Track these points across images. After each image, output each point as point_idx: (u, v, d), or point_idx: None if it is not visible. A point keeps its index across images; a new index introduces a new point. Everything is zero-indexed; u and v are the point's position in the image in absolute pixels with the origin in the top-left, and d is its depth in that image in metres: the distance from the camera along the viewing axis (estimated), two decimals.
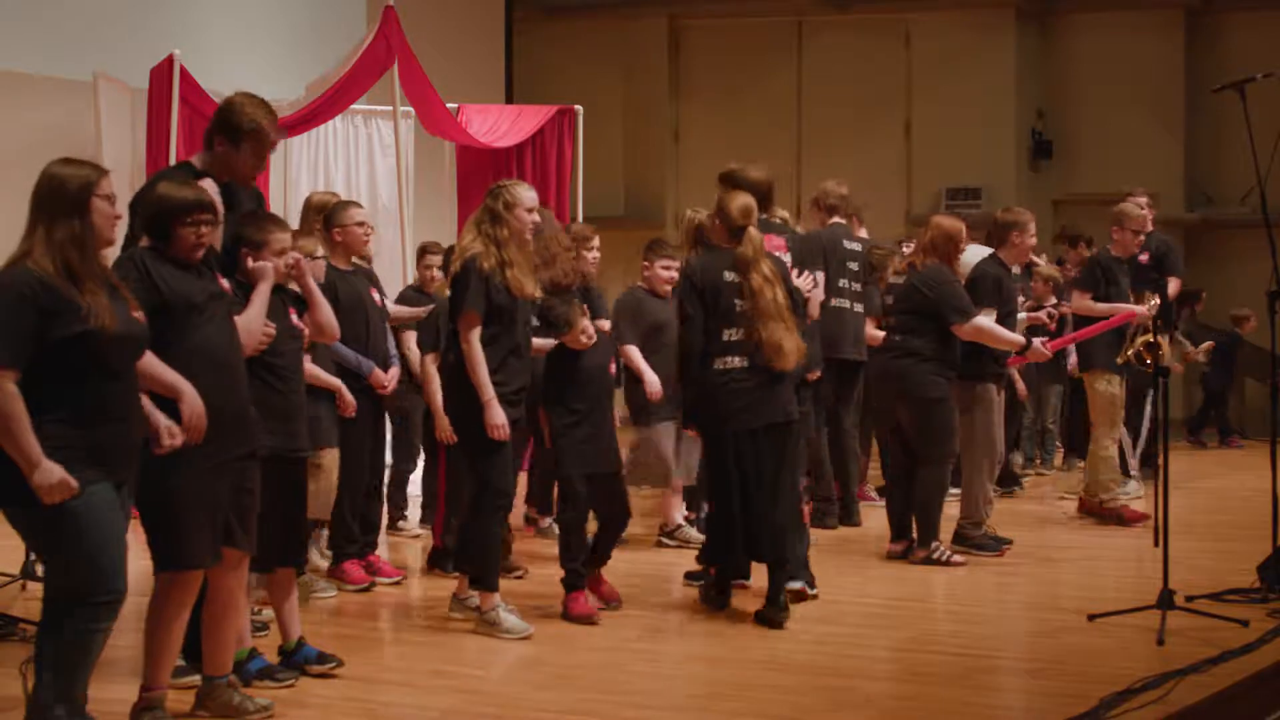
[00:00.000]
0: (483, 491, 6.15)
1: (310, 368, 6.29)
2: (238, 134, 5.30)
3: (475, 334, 6.04)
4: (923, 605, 6.91)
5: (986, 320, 7.83)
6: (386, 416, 7.50)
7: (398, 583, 7.16)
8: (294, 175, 10.76)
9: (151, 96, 9.44)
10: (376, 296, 7.15)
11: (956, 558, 7.72)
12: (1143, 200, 10.25)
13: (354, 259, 7.08)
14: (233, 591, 4.94)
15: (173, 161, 9.05)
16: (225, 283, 4.94)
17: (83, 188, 4.21)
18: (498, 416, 6.01)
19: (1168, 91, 15.58)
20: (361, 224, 7.05)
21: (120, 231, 4.51)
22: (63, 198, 4.20)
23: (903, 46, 15.99)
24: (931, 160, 15.64)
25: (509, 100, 15.04)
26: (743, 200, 6.47)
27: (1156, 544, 6.28)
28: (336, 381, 6.69)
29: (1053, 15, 16.04)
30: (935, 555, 7.69)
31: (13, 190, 4.22)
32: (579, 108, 11.84)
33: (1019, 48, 15.69)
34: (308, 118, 9.86)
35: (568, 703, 5.26)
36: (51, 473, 4.08)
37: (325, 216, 7.12)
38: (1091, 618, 6.39)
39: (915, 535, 7.85)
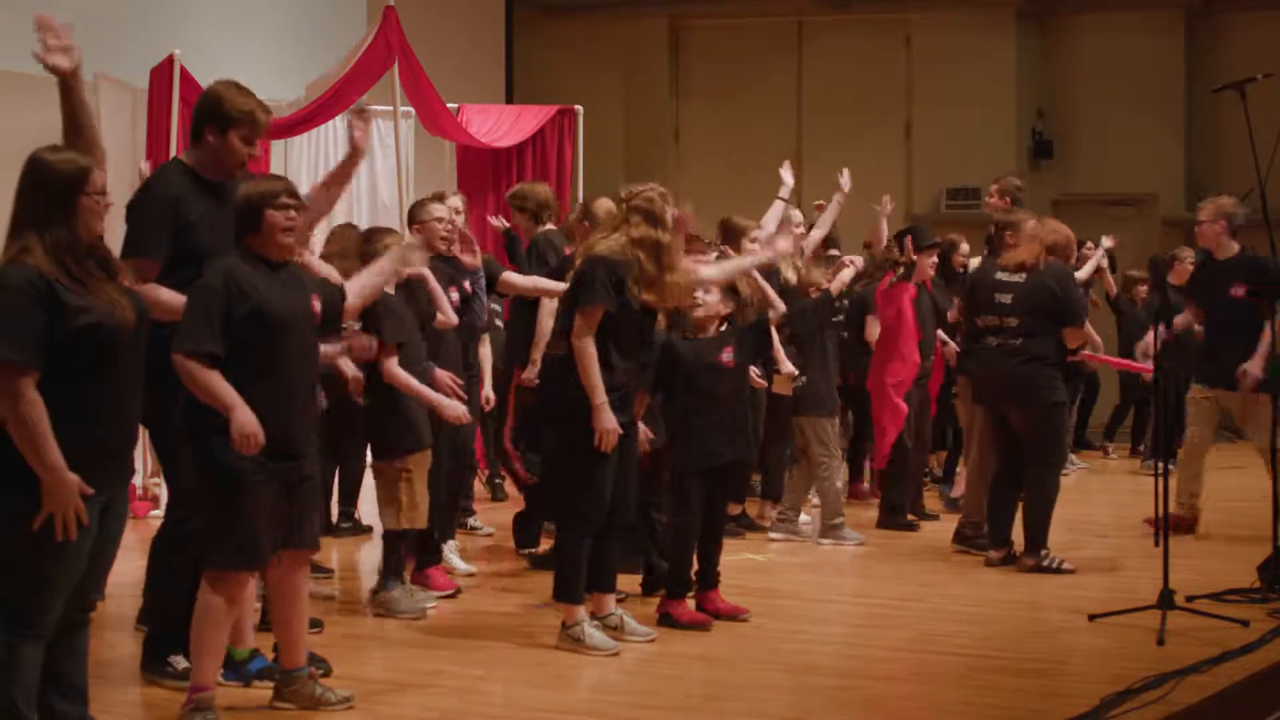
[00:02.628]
0: (575, 501, 5.94)
1: (397, 373, 6.34)
2: (227, 121, 5.19)
3: None
4: (923, 605, 6.91)
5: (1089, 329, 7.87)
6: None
7: (453, 595, 6.93)
8: (294, 175, 10.75)
9: (151, 96, 9.44)
10: (455, 295, 7.11)
11: (1067, 564, 7.51)
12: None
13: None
14: (296, 588, 4.98)
15: None
16: (317, 305, 4.96)
17: (69, 187, 4.11)
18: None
19: (1168, 91, 15.57)
20: (440, 220, 6.99)
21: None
22: (50, 197, 4.10)
23: (903, 46, 15.98)
24: (931, 160, 15.63)
25: (509, 100, 15.04)
26: (608, 203, 7.16)
27: (1156, 544, 6.29)
28: (425, 391, 6.45)
29: (1053, 15, 16.03)
30: (1045, 563, 7.52)
31: (13, 190, 4.19)
32: (579, 108, 11.85)
33: (1019, 48, 15.68)
34: (308, 118, 9.86)
35: (568, 703, 5.26)
36: (70, 486, 3.98)
37: (408, 213, 7.15)
38: (1092, 618, 6.39)
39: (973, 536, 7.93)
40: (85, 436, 4.07)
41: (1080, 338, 7.77)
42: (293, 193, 4.90)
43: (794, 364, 8.12)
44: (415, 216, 7.07)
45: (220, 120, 5.20)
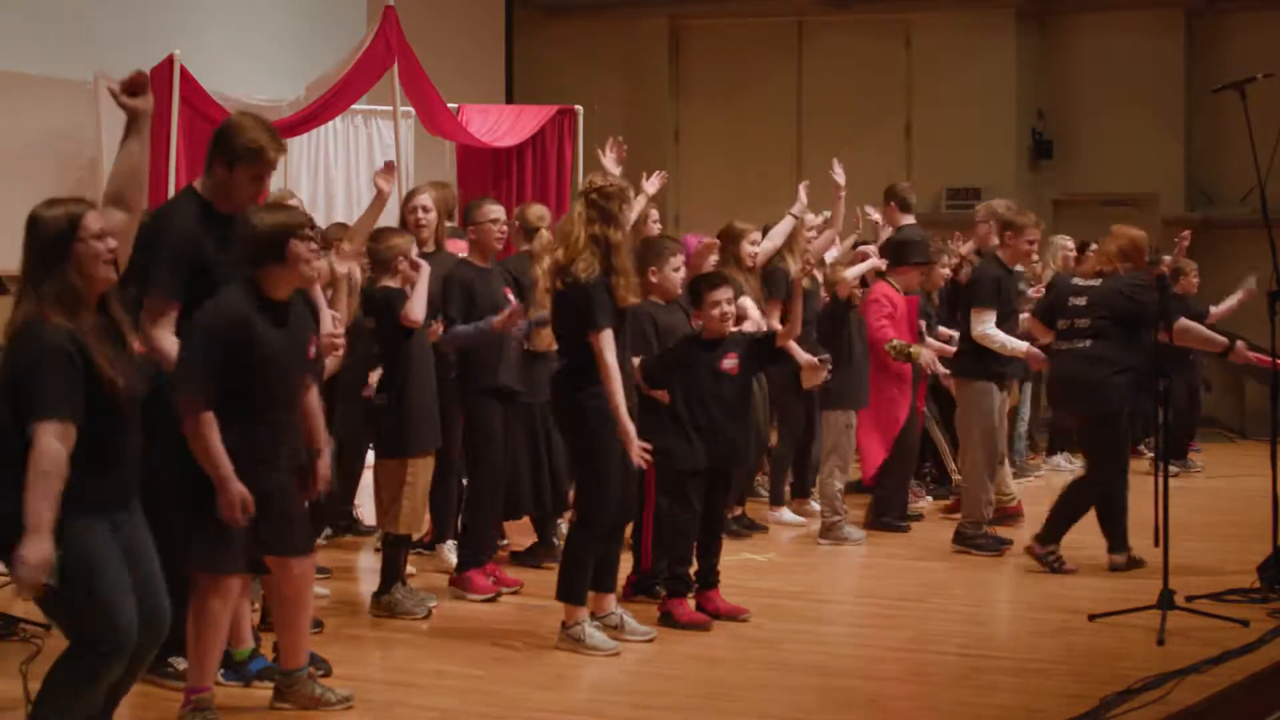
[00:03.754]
0: (586, 504, 5.99)
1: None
2: (234, 157, 5.04)
3: None
4: (923, 605, 6.91)
5: (1191, 323, 7.75)
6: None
7: (516, 592, 6.96)
8: (294, 175, 10.76)
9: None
10: (512, 296, 7.05)
11: (1069, 566, 7.47)
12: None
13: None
14: (298, 592, 4.99)
15: (173, 161, 9.07)
16: (313, 350, 4.99)
17: (61, 237, 4.05)
18: None
19: (1168, 91, 15.57)
20: (495, 221, 6.95)
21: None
22: (44, 250, 4.06)
23: (903, 46, 15.98)
24: (931, 160, 15.62)
25: (509, 100, 15.04)
26: (538, 209, 7.62)
27: (1156, 544, 6.29)
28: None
29: (1053, 15, 16.03)
30: (1048, 559, 7.47)
31: (13, 190, 4.19)
32: (579, 108, 11.85)
33: (1019, 48, 15.68)
34: (308, 118, 9.88)
35: (568, 703, 5.26)
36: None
37: (463, 213, 7.09)
38: (1091, 618, 6.39)
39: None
40: (95, 483, 4.06)
41: (1181, 338, 7.56)
42: (312, 224, 4.94)
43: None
44: (470, 217, 7.01)
45: (228, 154, 5.06)
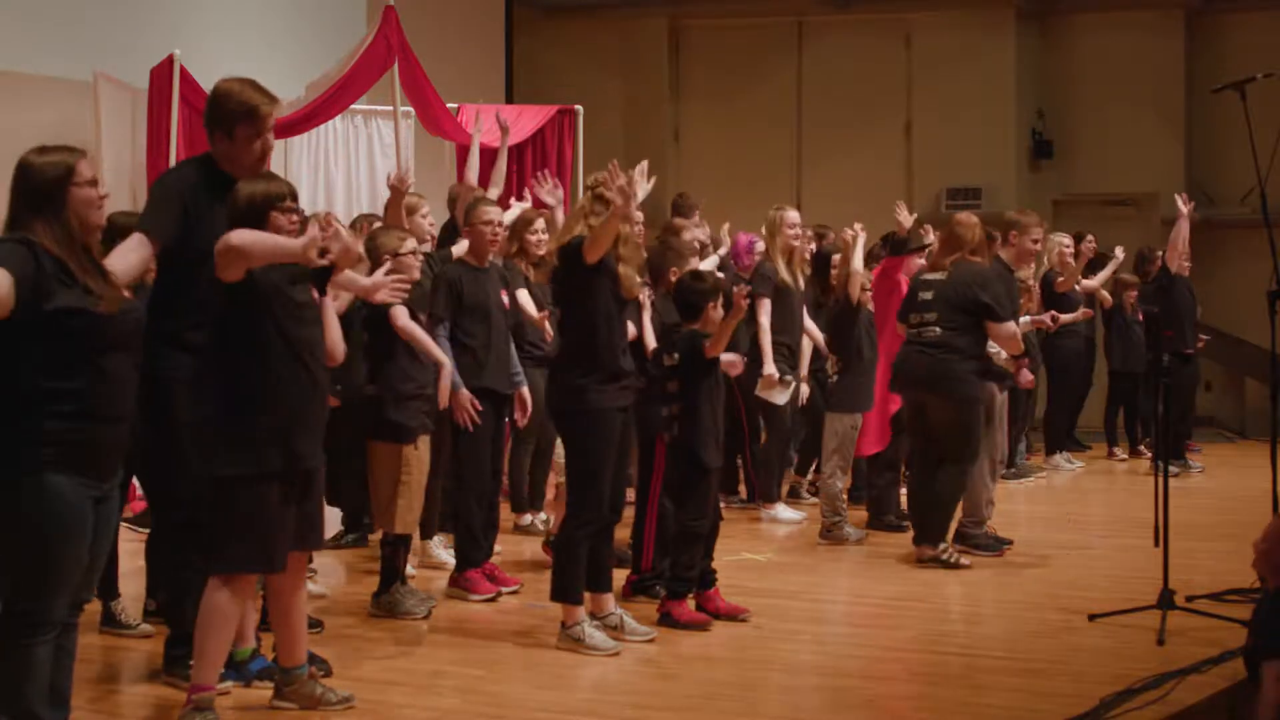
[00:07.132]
0: (575, 497, 5.99)
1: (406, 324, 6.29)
2: (231, 120, 5.09)
3: None
4: (923, 605, 6.91)
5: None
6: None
7: (516, 592, 6.97)
8: (294, 175, 10.76)
9: (151, 96, 9.44)
10: (506, 298, 7.02)
11: (964, 560, 7.65)
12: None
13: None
14: (296, 586, 4.99)
15: (173, 161, 9.05)
16: (316, 294, 4.96)
17: (57, 181, 4.09)
18: None
19: (1168, 91, 15.59)
20: (489, 223, 6.93)
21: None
22: (39, 194, 4.08)
23: (903, 46, 15.99)
24: (931, 160, 15.64)
25: (509, 100, 15.03)
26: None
27: (1156, 544, 6.29)
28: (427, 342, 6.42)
29: (1053, 15, 16.04)
30: (943, 556, 7.65)
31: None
32: (579, 108, 11.86)
33: (1019, 48, 15.69)
34: (308, 118, 9.87)
35: (568, 703, 5.26)
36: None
37: (464, 212, 7.10)
38: (1091, 618, 6.39)
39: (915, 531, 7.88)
40: (77, 428, 4.03)
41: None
42: (295, 195, 4.87)
43: (833, 366, 8.38)
44: (466, 219, 7.01)
45: (224, 120, 5.11)
